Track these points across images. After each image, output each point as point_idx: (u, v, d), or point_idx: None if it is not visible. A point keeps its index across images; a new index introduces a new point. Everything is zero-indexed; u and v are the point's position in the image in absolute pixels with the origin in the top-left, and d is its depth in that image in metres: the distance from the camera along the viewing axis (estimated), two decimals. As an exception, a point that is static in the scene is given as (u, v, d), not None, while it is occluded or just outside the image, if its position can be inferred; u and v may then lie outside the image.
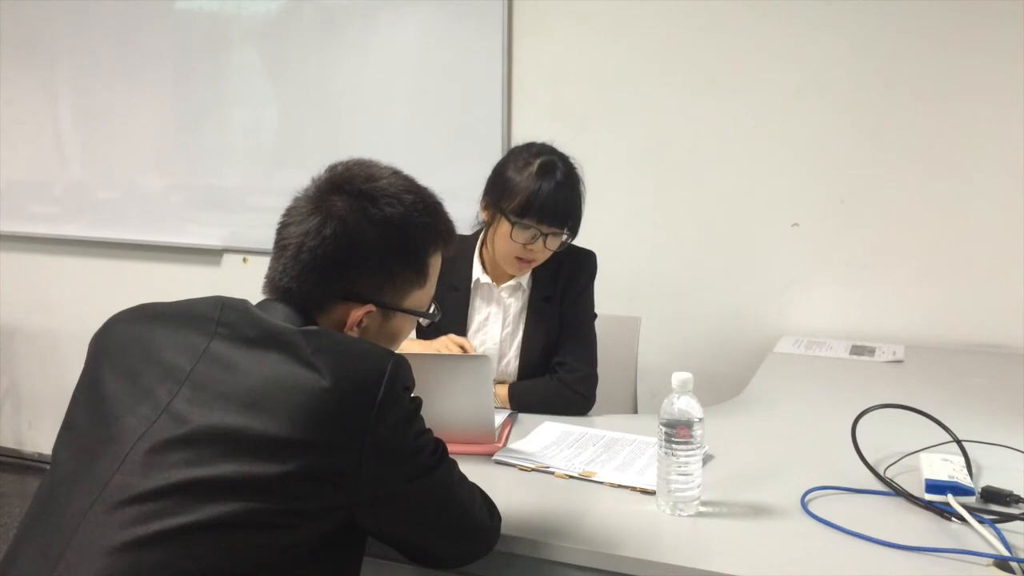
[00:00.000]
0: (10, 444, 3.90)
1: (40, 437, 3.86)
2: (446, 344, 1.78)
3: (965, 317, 2.54)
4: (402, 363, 1.05)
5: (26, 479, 3.75)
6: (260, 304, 1.14)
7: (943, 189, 2.54)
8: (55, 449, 1.09)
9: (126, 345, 1.11)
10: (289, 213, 1.17)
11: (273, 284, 1.15)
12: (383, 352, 1.06)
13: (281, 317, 1.10)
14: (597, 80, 2.83)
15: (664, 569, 1.19)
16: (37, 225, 3.67)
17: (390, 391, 1.01)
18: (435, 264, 1.21)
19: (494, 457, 1.55)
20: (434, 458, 1.09)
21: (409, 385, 1.07)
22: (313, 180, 1.18)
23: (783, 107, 2.65)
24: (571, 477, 1.47)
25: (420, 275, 1.19)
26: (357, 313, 1.14)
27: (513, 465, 1.52)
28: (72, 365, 4.25)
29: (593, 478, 1.46)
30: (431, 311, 1.24)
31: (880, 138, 2.58)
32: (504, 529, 1.23)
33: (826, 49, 2.59)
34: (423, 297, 1.21)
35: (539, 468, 1.50)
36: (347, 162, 1.20)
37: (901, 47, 2.52)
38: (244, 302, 1.14)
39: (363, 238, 1.13)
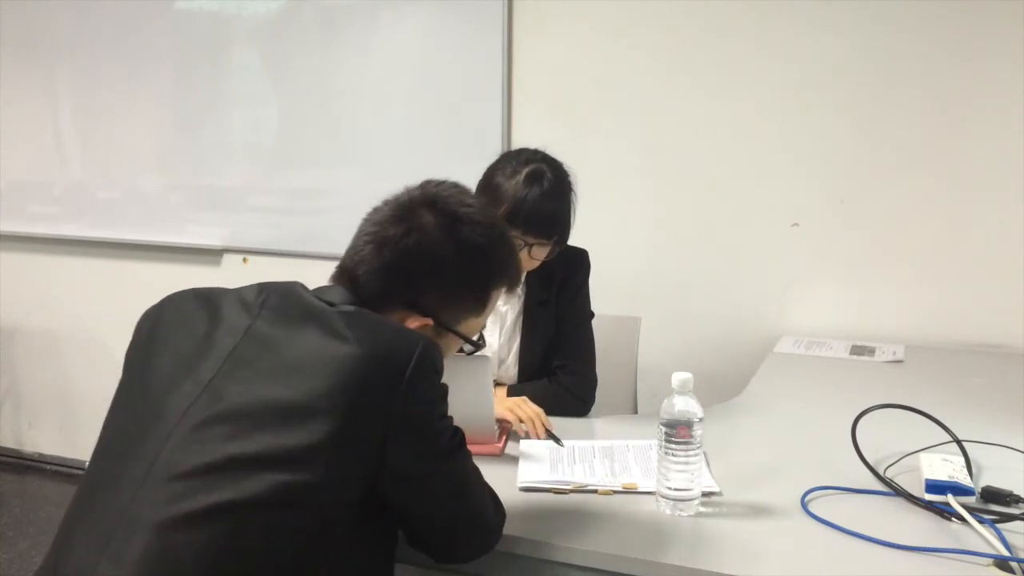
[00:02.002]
0: (10, 444, 3.90)
1: (40, 437, 3.86)
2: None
3: (965, 317, 2.54)
4: (434, 347, 1.09)
5: (26, 479, 3.75)
6: (320, 289, 1.18)
7: (943, 189, 2.54)
8: (105, 423, 1.13)
9: (174, 325, 1.15)
10: (377, 211, 1.22)
11: (346, 271, 1.19)
12: (417, 334, 1.10)
13: (337, 299, 1.14)
14: (597, 80, 2.83)
15: (664, 569, 1.19)
16: (37, 225, 3.67)
17: (419, 368, 1.04)
18: (495, 298, 1.26)
19: (519, 485, 1.45)
20: (453, 443, 1.11)
21: (439, 369, 1.09)
22: (407, 188, 1.23)
23: (783, 107, 2.65)
24: (616, 492, 1.42)
25: (480, 304, 1.24)
26: (414, 323, 1.17)
27: (546, 491, 1.43)
28: (72, 365, 4.24)
29: (637, 489, 1.41)
30: (478, 340, 1.28)
31: (880, 138, 2.58)
32: (505, 529, 1.22)
33: (826, 49, 2.59)
34: (476, 325, 1.26)
35: (577, 489, 1.43)
36: (444, 182, 1.25)
37: (901, 47, 2.52)
38: (289, 284, 1.18)
39: (443, 255, 1.18)
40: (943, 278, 2.56)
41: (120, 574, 0.96)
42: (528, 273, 1.92)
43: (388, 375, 1.03)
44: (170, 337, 1.14)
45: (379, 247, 1.17)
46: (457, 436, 1.12)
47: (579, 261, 2.00)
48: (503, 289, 1.26)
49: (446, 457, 1.10)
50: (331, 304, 1.12)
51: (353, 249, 1.20)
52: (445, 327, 1.20)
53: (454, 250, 1.18)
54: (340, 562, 1.05)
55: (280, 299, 1.13)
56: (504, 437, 1.67)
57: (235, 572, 0.98)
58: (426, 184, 1.25)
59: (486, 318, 1.28)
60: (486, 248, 1.20)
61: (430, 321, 1.18)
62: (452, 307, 1.21)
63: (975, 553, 1.18)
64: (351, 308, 1.12)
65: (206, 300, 1.17)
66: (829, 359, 2.37)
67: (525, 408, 1.68)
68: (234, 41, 3.29)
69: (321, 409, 1.00)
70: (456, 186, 1.25)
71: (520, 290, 1.97)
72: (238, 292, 1.17)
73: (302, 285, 1.18)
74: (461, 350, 1.28)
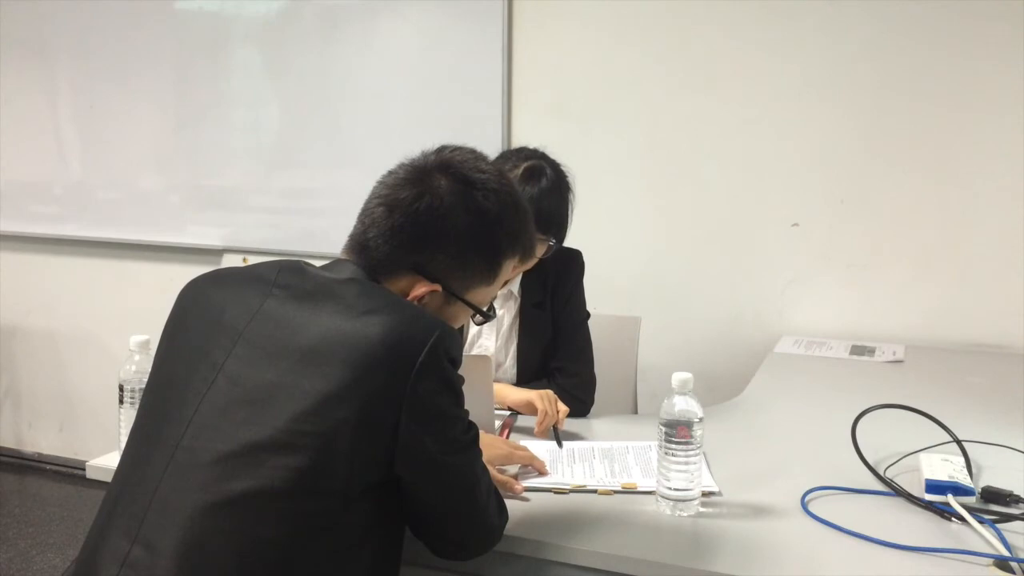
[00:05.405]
0: (10, 444, 3.91)
1: (40, 437, 3.86)
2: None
3: (965, 317, 2.54)
4: (451, 334, 1.08)
5: (26, 479, 3.75)
6: (330, 264, 1.18)
7: (943, 189, 2.54)
8: (141, 402, 1.17)
9: (193, 307, 1.18)
10: (392, 174, 1.21)
11: (355, 239, 1.19)
12: (435, 320, 1.10)
13: (347, 275, 1.14)
14: (597, 80, 2.83)
15: (664, 569, 1.19)
16: (37, 225, 3.67)
17: (433, 355, 1.04)
18: (507, 268, 1.24)
19: (520, 485, 1.43)
20: (467, 436, 1.12)
21: (455, 357, 1.09)
22: (423, 153, 1.23)
23: (783, 107, 2.65)
24: (615, 492, 1.41)
25: (491, 272, 1.22)
26: (422, 289, 1.17)
27: (546, 491, 1.42)
28: (72, 365, 4.23)
29: (637, 489, 1.41)
30: (488, 310, 1.26)
31: (880, 138, 2.58)
32: (506, 528, 1.22)
33: (826, 49, 2.59)
34: (486, 294, 1.24)
35: (577, 489, 1.42)
36: (460, 148, 1.25)
37: (901, 47, 2.52)
38: (302, 262, 1.19)
39: (454, 220, 1.16)
40: (943, 278, 2.56)
41: (152, 560, 1.00)
42: (523, 275, 1.92)
43: (401, 361, 1.03)
44: (189, 318, 1.16)
45: (390, 210, 1.16)
46: (471, 431, 1.12)
47: (573, 262, 1.99)
48: (516, 259, 1.24)
49: (458, 449, 1.10)
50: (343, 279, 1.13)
51: (364, 212, 1.19)
52: (454, 294, 1.19)
53: (465, 216, 1.16)
54: (355, 551, 1.06)
55: (293, 277, 1.14)
56: (505, 434, 1.67)
57: (262, 558, 1.00)
58: (442, 149, 1.24)
59: (497, 288, 1.26)
60: (498, 215, 1.19)
61: (438, 287, 1.17)
62: (462, 274, 1.19)
63: (975, 553, 1.18)
64: (369, 284, 1.13)
65: (223, 279, 1.20)
66: (829, 359, 2.37)
67: (550, 406, 1.67)
68: (234, 41, 3.29)
69: (336, 396, 1.01)
70: (472, 152, 1.24)
71: (516, 293, 1.97)
72: (252, 269, 1.19)
73: (310, 264, 1.19)
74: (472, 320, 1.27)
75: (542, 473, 1.47)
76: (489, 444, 1.37)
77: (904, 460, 1.49)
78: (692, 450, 1.30)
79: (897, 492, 1.38)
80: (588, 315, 2.02)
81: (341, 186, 3.16)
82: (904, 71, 2.53)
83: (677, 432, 1.29)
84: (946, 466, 1.39)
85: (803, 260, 2.68)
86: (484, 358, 1.60)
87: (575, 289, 2.00)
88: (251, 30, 3.26)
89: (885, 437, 1.53)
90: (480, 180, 1.19)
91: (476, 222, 1.17)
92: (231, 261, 3.36)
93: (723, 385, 2.36)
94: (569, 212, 1.86)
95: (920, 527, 1.28)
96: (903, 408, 1.51)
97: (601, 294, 2.09)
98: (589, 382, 1.95)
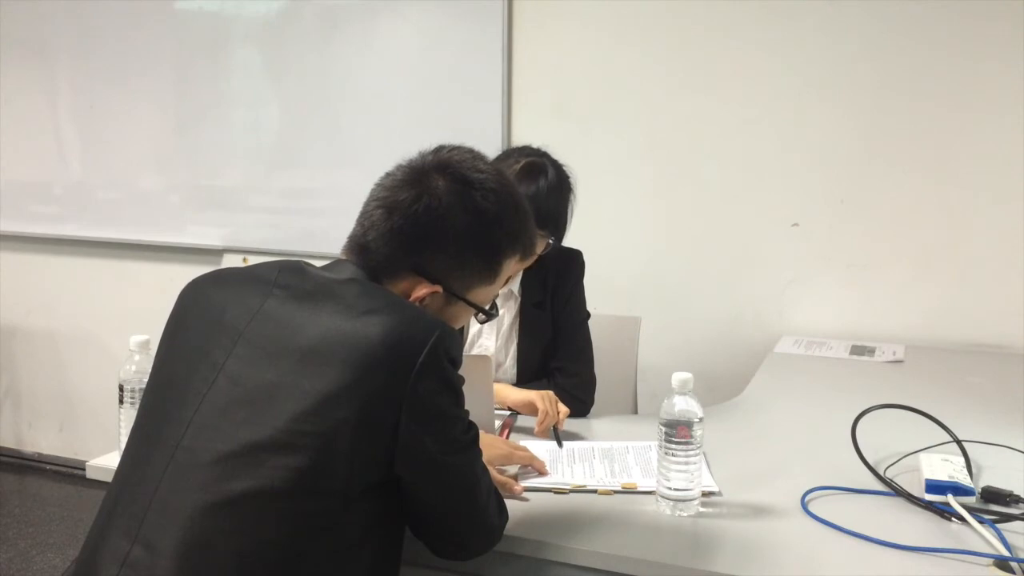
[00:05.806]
0: (10, 444, 3.91)
1: (40, 437, 3.86)
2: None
3: (965, 317, 2.54)
4: (451, 334, 1.08)
5: (26, 479, 3.75)
6: (330, 264, 1.18)
7: (943, 189, 2.54)
8: (141, 402, 1.17)
9: (193, 307, 1.18)
10: (390, 176, 1.21)
11: (354, 240, 1.19)
12: (435, 320, 1.10)
13: (347, 275, 1.14)
14: (597, 80, 2.83)
15: (664, 569, 1.19)
16: (37, 225, 3.67)
17: (433, 355, 1.04)
18: (508, 267, 1.24)
19: (520, 485, 1.43)
20: (467, 436, 1.11)
21: (455, 357, 1.09)
22: (420, 154, 1.23)
23: (783, 107, 2.65)
24: (615, 492, 1.41)
25: (491, 272, 1.22)
26: (423, 290, 1.17)
27: (547, 490, 1.42)
28: (72, 365, 4.24)
29: (637, 489, 1.41)
30: (490, 309, 1.26)
31: (880, 138, 2.58)
32: (506, 528, 1.22)
33: (827, 49, 2.59)
34: (487, 294, 1.24)
35: (577, 489, 1.42)
36: (458, 147, 1.24)
37: (902, 48, 2.52)
38: (302, 263, 1.19)
39: (453, 221, 1.16)
40: (943, 278, 2.56)
41: (152, 560, 1.00)
42: (524, 275, 1.92)
43: (401, 361, 1.03)
44: (189, 318, 1.16)
45: (389, 212, 1.16)
46: (471, 431, 1.12)
47: (573, 262, 1.99)
48: (516, 258, 1.24)
49: (458, 449, 1.10)
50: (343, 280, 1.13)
51: (363, 215, 1.19)
52: (455, 295, 1.19)
53: (464, 216, 1.16)
54: (355, 551, 1.06)
55: (294, 277, 1.14)
56: (505, 433, 1.67)
57: (262, 558, 1.00)
58: (439, 149, 1.23)
59: (498, 288, 1.26)
60: (498, 215, 1.18)
61: (439, 288, 1.17)
62: (462, 274, 1.19)
63: (975, 553, 1.18)
64: (370, 284, 1.13)
65: (224, 279, 1.20)
66: (829, 359, 2.37)
67: (551, 406, 1.67)
68: (234, 41, 3.29)
69: (336, 396, 1.01)
70: (470, 152, 1.24)
71: (516, 292, 1.97)
72: (253, 270, 1.19)
73: (311, 264, 1.19)
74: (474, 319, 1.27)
75: (542, 473, 1.47)
76: (489, 444, 1.37)
77: (904, 460, 1.49)
78: (692, 450, 1.30)
79: (897, 492, 1.38)
80: (588, 315, 2.02)
81: (341, 186, 3.16)
82: (904, 71, 2.53)
83: (677, 432, 1.29)
84: (946, 466, 1.40)
85: (803, 260, 2.68)
86: (484, 358, 1.60)
87: (575, 289, 1.99)
88: (251, 30, 3.26)
89: (885, 437, 1.53)
90: (478, 180, 1.18)
91: (475, 222, 1.17)
92: (231, 261, 3.36)
93: (723, 385, 2.36)
94: (569, 211, 1.86)
95: (920, 527, 1.28)
96: (903, 408, 1.51)
97: (601, 294, 2.09)
98: (589, 382, 1.95)
